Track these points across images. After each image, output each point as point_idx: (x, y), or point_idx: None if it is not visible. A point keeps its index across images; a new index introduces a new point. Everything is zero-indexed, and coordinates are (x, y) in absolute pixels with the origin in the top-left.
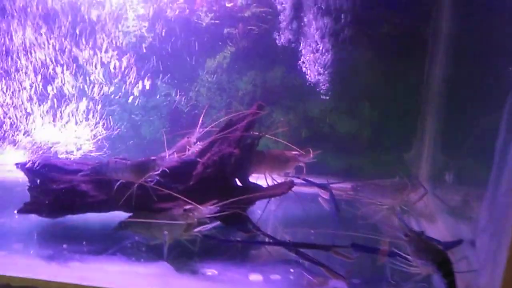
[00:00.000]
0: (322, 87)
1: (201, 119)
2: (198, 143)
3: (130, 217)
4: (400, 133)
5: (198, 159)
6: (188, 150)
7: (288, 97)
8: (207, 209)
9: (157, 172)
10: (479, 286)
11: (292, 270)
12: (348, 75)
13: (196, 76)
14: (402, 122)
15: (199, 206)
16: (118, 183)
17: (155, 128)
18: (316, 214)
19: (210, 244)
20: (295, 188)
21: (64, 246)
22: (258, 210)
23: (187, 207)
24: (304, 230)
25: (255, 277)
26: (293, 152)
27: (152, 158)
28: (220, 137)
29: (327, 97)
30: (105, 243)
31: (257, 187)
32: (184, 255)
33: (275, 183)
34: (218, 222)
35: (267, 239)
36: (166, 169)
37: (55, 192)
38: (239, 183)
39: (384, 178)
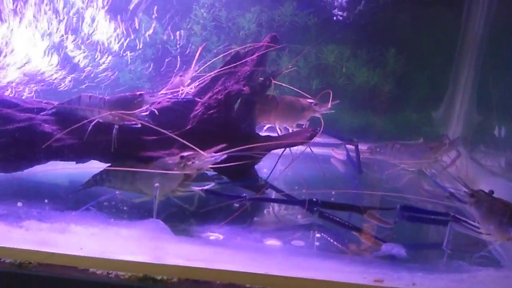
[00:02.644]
0: (340, 29)
1: (197, 55)
2: (195, 82)
3: (108, 167)
4: (429, 87)
5: (196, 99)
6: (182, 90)
7: (298, 39)
8: (211, 157)
9: (144, 112)
10: None
11: (318, 235)
12: (372, 16)
13: (188, 10)
14: (432, 74)
15: (200, 152)
16: (93, 123)
17: (137, 74)
18: (332, 176)
19: (211, 202)
20: (299, 147)
21: (19, 204)
22: (264, 169)
23: (186, 153)
24: (322, 191)
25: (273, 242)
26: (309, 100)
27: (139, 92)
28: (225, 71)
29: (345, 42)
30: (74, 201)
31: (269, 138)
32: (179, 216)
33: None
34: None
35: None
36: (156, 110)
37: (8, 133)
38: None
39: (406, 139)
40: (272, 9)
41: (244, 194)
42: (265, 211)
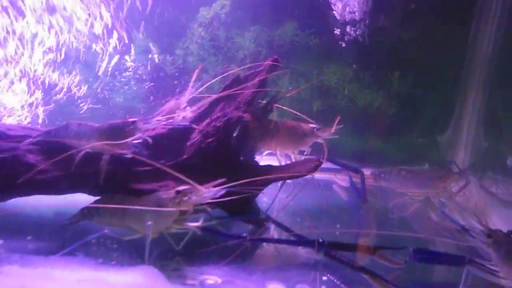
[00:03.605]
0: (343, 50)
1: (194, 78)
2: (190, 107)
3: (97, 201)
4: (435, 111)
5: (193, 126)
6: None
7: (299, 60)
8: (209, 191)
9: (137, 140)
10: None
11: (325, 278)
12: (376, 36)
13: (185, 29)
14: (438, 96)
15: (197, 186)
16: (81, 153)
17: (129, 94)
18: (334, 205)
19: (210, 241)
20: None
21: (0, 241)
22: (264, 198)
23: (181, 187)
24: (326, 225)
25: (276, 286)
26: (311, 125)
27: (131, 120)
28: (224, 96)
29: (348, 63)
30: (59, 239)
31: (270, 168)
32: (174, 256)
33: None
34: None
35: (288, 236)
36: (149, 138)
37: None
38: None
39: (411, 164)
40: (272, 28)
41: (244, 234)
42: (265, 245)
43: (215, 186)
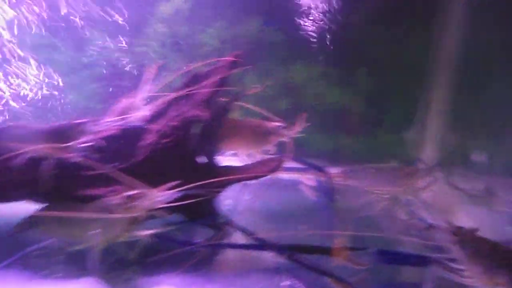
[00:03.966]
0: (310, 47)
1: (148, 75)
2: (146, 106)
3: (41, 210)
4: (401, 108)
5: (148, 126)
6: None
7: (265, 57)
8: (162, 195)
9: (85, 143)
10: None
11: (288, 283)
12: (343, 34)
13: (144, 26)
14: (404, 94)
15: (149, 190)
16: (22, 158)
17: (86, 93)
18: (301, 206)
19: (163, 248)
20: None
21: None
22: (228, 200)
23: (132, 192)
24: (290, 226)
25: None
26: (275, 123)
27: (78, 121)
28: (181, 95)
29: (315, 61)
30: (3, 248)
31: (231, 168)
32: (126, 266)
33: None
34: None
35: (248, 240)
36: (99, 140)
37: None
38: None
39: (379, 162)
40: (236, 24)
41: (198, 240)
42: (228, 250)
43: (168, 189)
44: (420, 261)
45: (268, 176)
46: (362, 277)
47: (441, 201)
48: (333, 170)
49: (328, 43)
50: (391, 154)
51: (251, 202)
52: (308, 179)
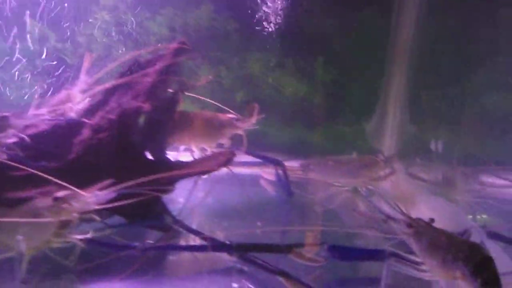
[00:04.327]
0: (265, 36)
1: (86, 63)
2: (83, 97)
3: None
4: (360, 98)
5: (83, 119)
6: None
7: (218, 47)
8: (94, 196)
9: (10, 139)
10: None
11: (235, 286)
12: (299, 22)
13: (86, 14)
14: (363, 84)
15: (80, 191)
16: None
17: (23, 88)
18: (260, 201)
19: (103, 254)
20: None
21: None
22: (180, 199)
23: (60, 193)
24: (247, 224)
25: None
26: (229, 116)
27: (1, 115)
28: (120, 85)
29: (271, 50)
30: None
31: (179, 164)
32: (61, 274)
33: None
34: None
35: (196, 241)
36: (26, 136)
37: None
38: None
39: (339, 153)
40: (186, 12)
41: (136, 244)
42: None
43: (101, 189)
44: (375, 255)
45: (225, 172)
46: (317, 274)
47: (400, 192)
48: (293, 164)
49: (284, 32)
50: (351, 145)
51: (205, 200)
52: (267, 174)
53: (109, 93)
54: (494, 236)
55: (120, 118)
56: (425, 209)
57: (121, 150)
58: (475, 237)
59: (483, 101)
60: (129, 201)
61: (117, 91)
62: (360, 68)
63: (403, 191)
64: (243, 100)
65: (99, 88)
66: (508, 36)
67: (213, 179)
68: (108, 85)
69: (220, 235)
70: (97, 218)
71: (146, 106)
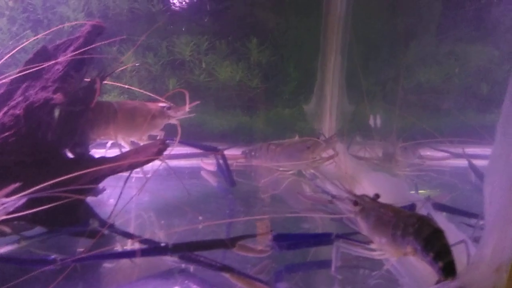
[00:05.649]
0: (194, 17)
1: None
2: None
3: None
4: (298, 79)
5: None
6: None
7: (143, 31)
8: (0, 204)
9: None
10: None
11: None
12: (232, 3)
13: None
14: (299, 64)
15: None
16: None
17: None
18: (200, 194)
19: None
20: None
21: None
22: (112, 200)
23: None
24: (188, 220)
25: None
26: (160, 104)
27: None
28: (25, 75)
29: (202, 32)
30: None
31: (104, 160)
32: None
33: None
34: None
35: (134, 245)
36: None
37: None
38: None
39: (280, 137)
40: None
41: (53, 256)
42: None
43: (7, 195)
44: (322, 240)
45: (161, 166)
46: (264, 264)
47: (344, 172)
48: (234, 151)
49: (212, 12)
50: (293, 128)
51: (141, 198)
52: (208, 164)
53: (13, 84)
54: (439, 207)
55: (27, 113)
56: (368, 186)
57: (32, 149)
58: (421, 210)
59: (417, 76)
60: (44, 206)
61: (23, 82)
62: (296, 48)
63: (346, 171)
64: (175, 87)
65: (2, 80)
66: (438, 10)
67: (148, 175)
68: (11, 75)
69: (159, 235)
70: (7, 229)
71: (57, 97)
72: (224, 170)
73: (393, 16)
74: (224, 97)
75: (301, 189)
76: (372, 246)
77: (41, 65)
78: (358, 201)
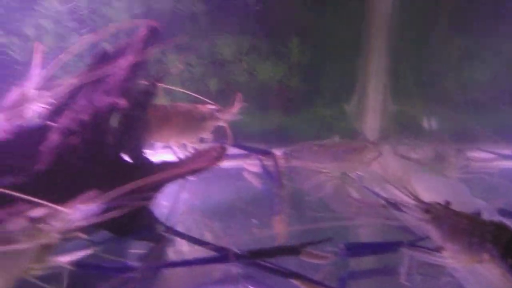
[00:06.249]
0: (235, 17)
1: (37, 54)
2: (43, 96)
3: None
4: (338, 78)
5: (48, 122)
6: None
7: (186, 31)
8: (77, 212)
9: None
10: None
11: None
12: (273, 2)
13: (34, 2)
14: (340, 64)
15: (60, 207)
16: None
17: None
18: (247, 197)
19: (92, 277)
20: None
21: None
22: (164, 202)
23: (36, 212)
24: (242, 222)
25: None
26: (209, 106)
27: None
28: (88, 80)
29: (243, 32)
30: None
31: (165, 164)
32: None
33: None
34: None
35: (193, 248)
36: None
37: None
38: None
39: (321, 138)
40: None
41: (130, 263)
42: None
43: (85, 203)
44: (392, 247)
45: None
46: (328, 270)
47: (392, 174)
48: (275, 152)
49: (254, 12)
50: (332, 128)
51: (192, 201)
52: (252, 165)
53: (76, 90)
54: (505, 213)
55: (94, 118)
56: (423, 189)
57: (96, 155)
58: (486, 216)
59: (465, 75)
60: (119, 212)
61: (84, 87)
62: (337, 47)
63: (395, 173)
64: (217, 89)
65: (65, 85)
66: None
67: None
68: (74, 79)
69: (220, 240)
70: (84, 235)
71: (122, 102)
72: (273, 172)
73: (440, 10)
74: (264, 98)
75: (347, 192)
76: (444, 253)
77: (104, 69)
78: (430, 209)
